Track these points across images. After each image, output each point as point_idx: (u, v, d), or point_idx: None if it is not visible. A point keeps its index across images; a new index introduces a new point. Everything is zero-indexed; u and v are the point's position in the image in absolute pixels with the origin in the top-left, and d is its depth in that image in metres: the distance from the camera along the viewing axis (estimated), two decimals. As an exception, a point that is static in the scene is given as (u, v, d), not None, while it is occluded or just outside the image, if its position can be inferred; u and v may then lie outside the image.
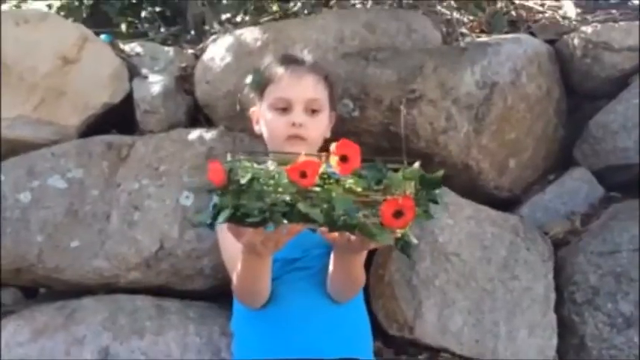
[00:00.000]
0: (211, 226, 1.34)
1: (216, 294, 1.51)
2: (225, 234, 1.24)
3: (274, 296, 1.25)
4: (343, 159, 0.94)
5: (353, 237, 1.00)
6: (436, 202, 0.99)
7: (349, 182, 0.94)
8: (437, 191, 0.98)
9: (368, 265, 1.44)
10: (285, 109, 1.32)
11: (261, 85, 1.36)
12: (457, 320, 1.51)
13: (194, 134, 1.59)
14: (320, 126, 1.35)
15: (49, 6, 2.22)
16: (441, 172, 0.99)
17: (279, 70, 1.34)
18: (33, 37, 1.61)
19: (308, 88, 1.33)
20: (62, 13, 2.19)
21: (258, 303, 1.24)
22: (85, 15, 2.27)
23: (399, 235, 0.97)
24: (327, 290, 1.28)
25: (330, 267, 1.23)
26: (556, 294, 1.61)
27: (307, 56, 1.42)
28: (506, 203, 1.74)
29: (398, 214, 0.93)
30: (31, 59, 1.60)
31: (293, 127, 1.30)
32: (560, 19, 1.96)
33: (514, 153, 1.72)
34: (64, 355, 1.39)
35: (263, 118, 1.36)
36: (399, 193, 0.94)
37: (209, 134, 1.59)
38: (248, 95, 1.45)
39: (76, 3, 2.26)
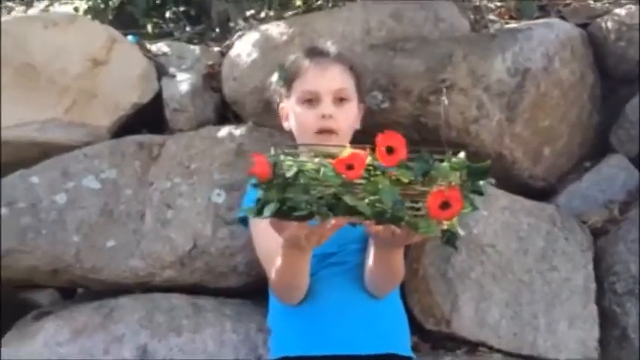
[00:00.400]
0: (244, 223, 1.35)
1: (250, 291, 1.51)
2: (260, 230, 1.24)
3: (311, 292, 1.24)
4: (389, 150, 0.93)
5: (398, 230, 0.99)
6: (481, 194, 0.96)
7: (396, 173, 0.93)
8: (481, 182, 0.96)
9: (404, 258, 1.42)
10: (312, 101, 1.31)
11: (288, 80, 1.35)
12: (494, 313, 1.49)
13: (223, 131, 1.59)
14: (349, 116, 1.34)
15: (76, 9, 2.25)
16: (488, 162, 0.96)
17: (304, 64, 1.34)
18: (62, 39, 1.63)
19: (334, 79, 1.32)
20: (88, 16, 2.21)
21: (296, 299, 1.24)
22: (110, 17, 2.28)
23: (445, 227, 0.95)
24: (363, 285, 1.26)
25: (370, 261, 1.22)
26: (596, 284, 1.57)
27: (332, 47, 1.41)
28: (541, 193, 1.70)
29: (445, 205, 0.91)
30: (61, 62, 1.62)
31: (322, 119, 1.29)
32: (592, 2, 1.91)
33: (548, 141, 1.68)
34: (103, 354, 1.40)
35: (292, 112, 1.35)
36: (445, 184, 0.92)
37: (238, 131, 1.59)
38: (275, 91, 1.43)
39: (102, 5, 2.28)
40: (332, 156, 0.94)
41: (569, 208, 1.66)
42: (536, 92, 1.61)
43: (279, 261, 1.14)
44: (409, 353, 1.31)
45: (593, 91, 1.76)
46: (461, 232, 0.97)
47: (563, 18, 1.82)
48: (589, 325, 1.54)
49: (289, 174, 0.92)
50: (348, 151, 0.92)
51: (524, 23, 1.75)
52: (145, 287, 1.53)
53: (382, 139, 0.94)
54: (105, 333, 1.42)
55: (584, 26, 1.79)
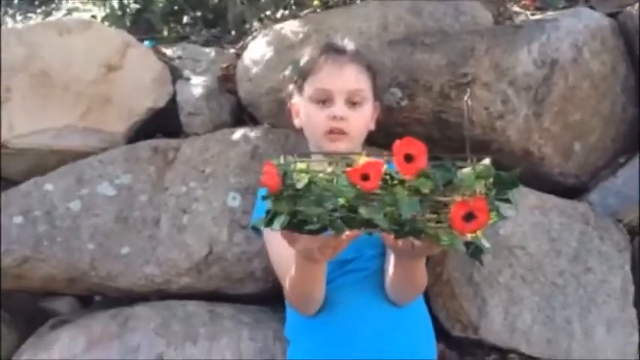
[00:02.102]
0: (258, 230, 1.30)
1: (268, 297, 1.47)
2: (273, 239, 1.19)
3: (329, 301, 1.19)
4: (408, 158, 0.85)
5: (417, 242, 0.91)
6: (509, 202, 0.88)
7: (415, 183, 0.85)
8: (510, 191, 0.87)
9: (425, 262, 1.36)
10: (325, 101, 1.25)
11: (301, 76, 1.29)
12: (526, 318, 1.41)
13: (238, 134, 1.55)
14: (362, 118, 1.27)
15: (94, 16, 2.25)
16: (517, 170, 0.88)
17: (319, 60, 1.27)
18: (76, 46, 1.62)
19: (350, 79, 1.26)
20: (106, 23, 2.21)
21: (313, 309, 1.18)
22: (128, 23, 2.28)
23: (469, 238, 0.87)
24: (384, 292, 1.21)
25: (390, 270, 1.16)
26: (634, 286, 1.48)
27: (349, 44, 1.35)
28: (573, 190, 1.62)
29: (469, 216, 0.83)
30: (76, 68, 1.60)
31: (334, 120, 1.23)
32: (622, -10, 1.82)
33: (579, 136, 1.60)
34: (119, 364, 1.38)
35: (303, 110, 1.29)
36: (470, 193, 0.85)
37: (253, 133, 1.55)
38: (289, 89, 1.39)
39: (120, 12, 2.27)
40: (348, 163, 0.87)
41: (604, 206, 1.58)
42: (565, 85, 1.53)
43: (292, 272, 1.09)
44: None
45: (626, 83, 1.68)
46: (486, 244, 0.88)
47: (591, 7, 1.75)
48: (628, 330, 1.45)
49: (300, 185, 0.86)
50: (363, 159, 0.86)
51: (550, 13, 1.68)
52: (162, 294, 1.50)
53: (400, 146, 0.85)
54: (120, 342, 1.39)
55: (614, 15, 1.71)
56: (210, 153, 1.54)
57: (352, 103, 1.25)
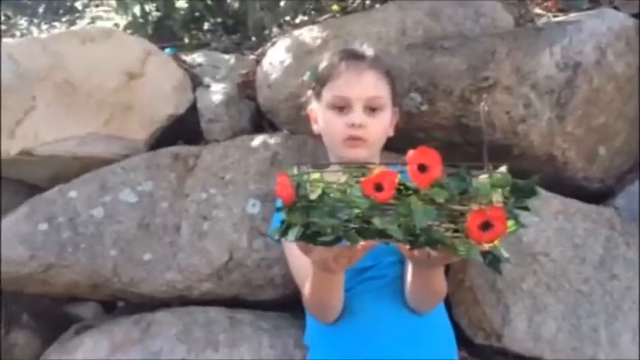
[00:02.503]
0: (277, 239, 1.30)
1: (288, 303, 1.47)
2: (292, 247, 1.18)
3: (348, 308, 1.18)
4: (422, 168, 0.84)
5: (433, 253, 0.90)
6: (527, 210, 0.86)
7: (429, 193, 0.84)
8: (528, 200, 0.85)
9: (446, 269, 1.34)
10: (343, 108, 1.24)
11: (320, 82, 1.29)
12: (550, 326, 1.39)
13: (258, 140, 1.55)
14: (381, 125, 1.26)
15: (116, 24, 2.28)
16: (535, 178, 0.86)
17: (338, 67, 1.26)
18: (99, 54, 1.64)
19: (368, 86, 1.24)
20: (129, 31, 2.24)
21: (332, 317, 1.18)
22: (150, 31, 2.31)
23: (486, 248, 0.86)
24: (403, 299, 1.19)
25: (408, 279, 1.15)
26: (663, 294, 1.45)
27: (368, 50, 1.33)
28: (598, 195, 1.59)
29: (486, 225, 0.82)
30: (98, 76, 1.63)
31: (352, 127, 1.22)
32: (647, -10, 1.78)
33: (604, 139, 1.56)
34: (141, 370, 1.39)
35: (321, 117, 1.29)
36: (486, 202, 0.83)
37: (273, 139, 1.55)
38: (307, 95, 1.39)
39: (142, 20, 2.30)
40: (362, 173, 0.86)
41: (630, 211, 1.54)
42: (588, 87, 1.50)
43: (310, 281, 1.09)
44: (456, 363, 1.23)
45: (652, 84, 1.63)
46: (505, 253, 0.87)
47: (615, 8, 1.71)
48: (656, 339, 1.41)
49: (313, 196, 0.85)
50: (377, 168, 0.85)
51: (573, 15, 1.65)
52: (183, 300, 1.51)
53: (414, 157, 0.84)
54: (142, 348, 1.41)
55: (638, 16, 1.66)
56: (230, 160, 1.54)
57: (371, 110, 1.23)
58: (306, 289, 1.13)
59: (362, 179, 0.84)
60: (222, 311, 1.47)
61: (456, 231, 0.85)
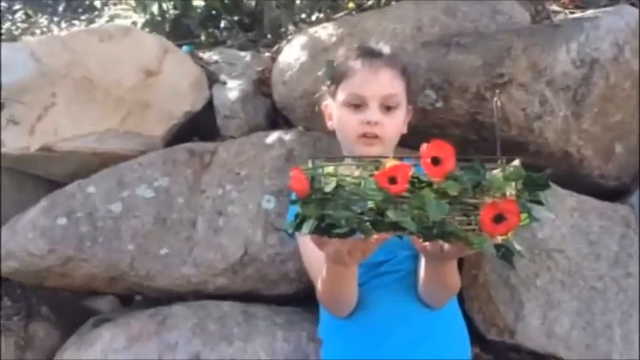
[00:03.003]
0: (291, 234, 1.31)
1: (302, 298, 1.48)
2: (305, 241, 1.20)
3: (362, 303, 1.19)
4: (435, 161, 0.85)
5: (446, 245, 0.91)
6: (540, 204, 0.87)
7: (443, 186, 0.85)
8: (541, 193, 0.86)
9: (460, 264, 1.35)
10: (359, 105, 1.24)
11: (335, 79, 1.29)
12: (564, 323, 1.38)
13: (273, 136, 1.57)
14: (396, 123, 1.26)
15: (134, 23, 2.31)
16: (548, 171, 0.87)
17: (354, 64, 1.26)
18: (117, 52, 1.66)
19: (384, 84, 1.24)
20: (147, 29, 2.26)
21: (346, 311, 1.19)
22: (167, 29, 2.33)
23: (499, 241, 0.87)
24: (417, 294, 1.20)
25: (421, 273, 1.15)
26: (679, 292, 1.43)
27: (384, 47, 1.33)
28: (614, 193, 1.58)
29: (499, 218, 0.83)
30: (116, 74, 1.65)
31: (367, 125, 1.23)
32: (666, -15, 1.76)
33: (621, 137, 1.55)
34: (157, 361, 1.41)
35: (336, 114, 1.29)
36: (500, 195, 0.84)
37: (288, 136, 1.56)
38: (322, 90, 1.39)
39: (159, 18, 2.33)
40: (375, 167, 0.87)
41: (646, 209, 1.53)
42: (605, 84, 1.50)
43: (323, 274, 1.10)
44: (469, 361, 1.23)
45: (670, 81, 1.62)
46: (517, 246, 0.88)
47: (633, 4, 1.69)
48: (671, 337, 1.40)
49: (328, 189, 0.86)
50: (391, 162, 0.86)
51: (590, 12, 1.64)
52: (199, 294, 1.53)
53: (428, 150, 0.86)
54: (159, 341, 1.43)
55: (657, 12, 1.65)
56: (246, 156, 1.56)
57: (386, 108, 1.24)
58: (320, 284, 1.14)
59: (376, 172, 0.85)
60: (237, 305, 1.48)
61: (469, 224, 0.86)
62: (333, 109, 1.30)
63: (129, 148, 1.66)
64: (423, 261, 1.13)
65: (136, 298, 1.71)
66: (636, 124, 1.57)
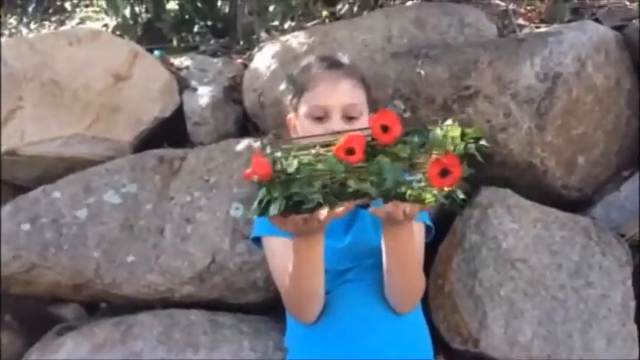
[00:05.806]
0: (258, 243, 1.31)
1: (270, 306, 1.48)
2: (273, 248, 1.21)
3: (328, 310, 1.20)
4: (384, 129, 0.93)
5: (407, 207, 0.98)
6: (475, 156, 0.96)
7: (394, 149, 0.94)
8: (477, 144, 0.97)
9: (427, 272, 1.37)
10: (321, 118, 1.24)
11: (296, 94, 1.29)
12: (526, 332, 1.41)
13: (242, 144, 1.57)
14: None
15: (105, 25, 2.28)
16: (478, 128, 0.98)
17: (314, 77, 1.27)
18: (86, 55, 1.65)
19: (345, 94, 1.25)
20: (118, 32, 2.24)
21: (312, 312, 1.19)
22: (139, 33, 2.31)
23: (446, 192, 0.97)
24: (384, 302, 1.21)
25: (384, 264, 1.16)
26: (636, 302, 1.47)
27: (342, 58, 1.33)
28: (576, 204, 1.62)
29: (444, 172, 0.93)
30: (85, 77, 1.64)
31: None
32: (628, 3, 1.82)
33: (583, 149, 1.59)
34: (121, 371, 1.39)
35: (299, 126, 1.30)
36: (442, 152, 0.93)
37: (257, 143, 1.57)
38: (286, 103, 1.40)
39: (131, 22, 2.30)
40: (327, 145, 0.94)
41: (606, 221, 1.57)
42: (568, 98, 1.53)
43: (290, 267, 1.11)
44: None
45: (630, 97, 1.67)
46: (460, 194, 0.98)
47: (597, 21, 1.74)
48: (628, 345, 1.44)
49: (291, 169, 0.92)
50: (344, 136, 0.93)
51: (555, 27, 1.68)
52: (166, 303, 1.52)
53: (375, 119, 0.94)
54: (123, 349, 1.41)
55: (619, 29, 1.70)
56: (215, 163, 1.55)
57: (348, 118, 1.25)
58: (288, 280, 1.14)
59: (334, 147, 0.92)
60: (203, 314, 1.48)
61: (419, 182, 0.95)
62: (297, 122, 1.31)
63: (96, 153, 1.64)
64: (384, 248, 1.14)
65: (102, 305, 1.69)
66: (598, 137, 1.61)
